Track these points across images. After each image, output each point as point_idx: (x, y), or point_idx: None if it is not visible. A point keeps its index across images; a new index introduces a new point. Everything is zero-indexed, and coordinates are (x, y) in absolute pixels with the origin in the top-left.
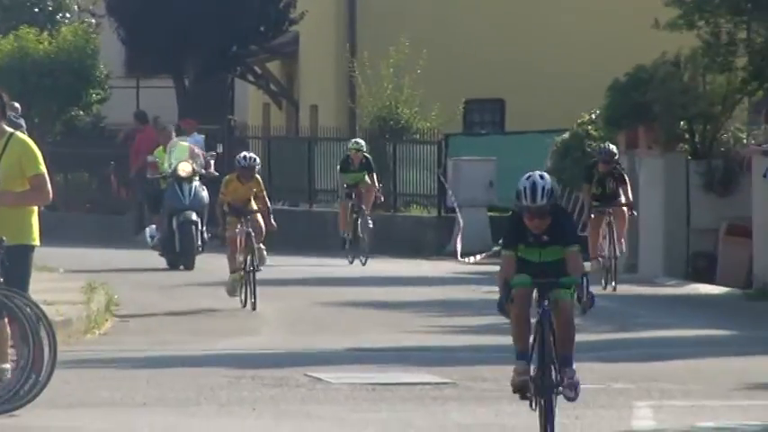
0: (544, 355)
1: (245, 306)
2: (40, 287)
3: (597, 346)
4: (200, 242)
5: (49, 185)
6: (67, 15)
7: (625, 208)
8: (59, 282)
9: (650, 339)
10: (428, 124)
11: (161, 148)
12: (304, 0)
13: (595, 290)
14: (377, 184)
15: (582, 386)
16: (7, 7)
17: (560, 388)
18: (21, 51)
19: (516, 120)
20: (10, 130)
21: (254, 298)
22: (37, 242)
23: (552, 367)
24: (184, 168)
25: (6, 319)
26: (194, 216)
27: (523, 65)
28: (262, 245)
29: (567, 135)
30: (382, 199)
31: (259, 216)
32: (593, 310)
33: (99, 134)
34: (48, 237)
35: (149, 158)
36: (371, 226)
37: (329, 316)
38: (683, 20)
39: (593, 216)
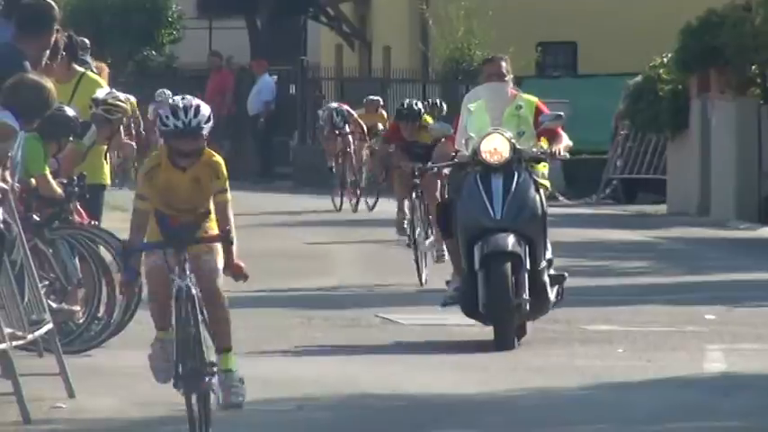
0: None
1: None
2: (112, 227)
3: (669, 289)
4: (525, 294)
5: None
6: None
7: None
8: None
9: (722, 283)
10: None
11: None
12: None
13: None
14: None
15: (654, 329)
16: None
17: None
18: None
19: (589, 63)
20: (81, 69)
21: None
22: (108, 181)
23: None
24: (496, 145)
25: (77, 259)
26: (511, 242)
27: (596, 7)
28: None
29: (639, 78)
30: None
31: (215, 254)
32: (667, 253)
33: (172, 74)
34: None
35: (435, 127)
36: None
37: (403, 257)
38: None
39: None
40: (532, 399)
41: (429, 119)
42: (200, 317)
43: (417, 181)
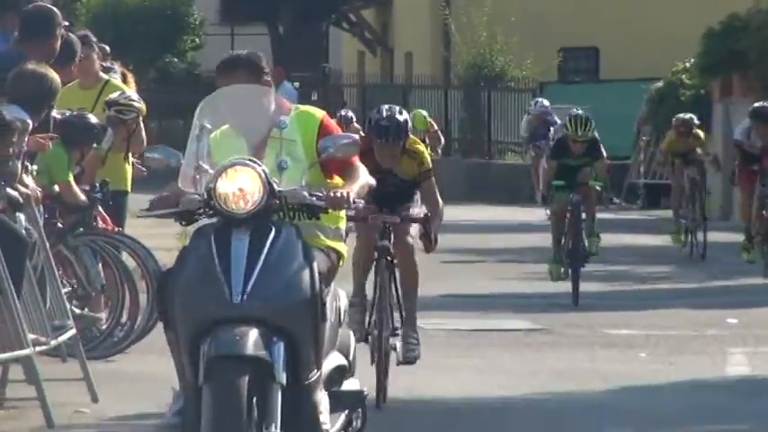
0: None
1: None
2: (135, 233)
3: (690, 293)
4: (276, 425)
5: (144, 132)
6: None
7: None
8: (154, 228)
9: (744, 286)
10: (523, 72)
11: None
12: None
13: None
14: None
15: (675, 333)
16: None
17: None
18: None
19: (610, 68)
20: (105, 76)
21: None
22: (129, 187)
23: None
24: (241, 184)
25: (100, 265)
26: (253, 341)
27: (618, 13)
28: None
29: (661, 83)
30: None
31: None
32: (686, 259)
33: (193, 81)
34: (142, 184)
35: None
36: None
37: (423, 262)
38: None
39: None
40: (554, 403)
41: (420, 145)
42: None
43: (385, 243)
